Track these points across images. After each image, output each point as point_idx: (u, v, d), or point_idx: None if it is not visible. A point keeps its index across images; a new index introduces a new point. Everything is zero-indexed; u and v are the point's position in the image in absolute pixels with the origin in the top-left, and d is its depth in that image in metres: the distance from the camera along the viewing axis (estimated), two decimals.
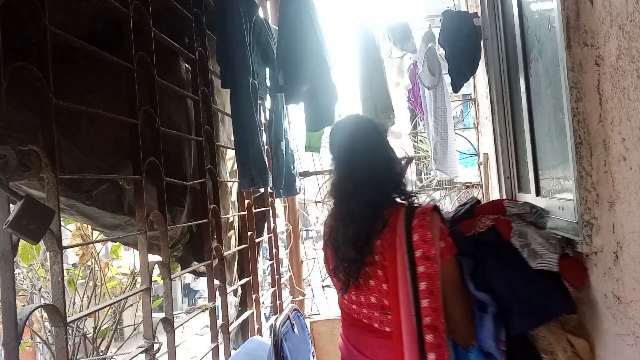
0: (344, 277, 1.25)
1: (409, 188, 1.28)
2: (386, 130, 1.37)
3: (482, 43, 2.30)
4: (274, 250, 2.77)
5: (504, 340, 1.15)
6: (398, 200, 1.26)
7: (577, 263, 1.26)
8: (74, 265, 5.01)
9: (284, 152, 2.31)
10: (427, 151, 4.43)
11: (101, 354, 3.92)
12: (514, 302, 1.17)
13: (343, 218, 1.25)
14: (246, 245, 2.27)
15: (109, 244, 4.46)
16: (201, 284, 11.90)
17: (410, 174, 3.79)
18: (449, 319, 1.13)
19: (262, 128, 2.39)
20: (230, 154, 2.27)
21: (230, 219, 2.24)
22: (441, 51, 2.97)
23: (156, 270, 1.44)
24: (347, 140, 1.29)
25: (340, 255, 1.25)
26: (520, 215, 1.33)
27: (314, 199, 3.37)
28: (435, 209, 1.19)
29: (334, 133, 1.36)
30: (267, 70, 2.26)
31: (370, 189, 1.21)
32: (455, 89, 2.38)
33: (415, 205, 1.22)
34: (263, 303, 2.44)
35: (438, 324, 1.09)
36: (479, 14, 2.39)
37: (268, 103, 2.42)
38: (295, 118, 3.12)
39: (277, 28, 2.03)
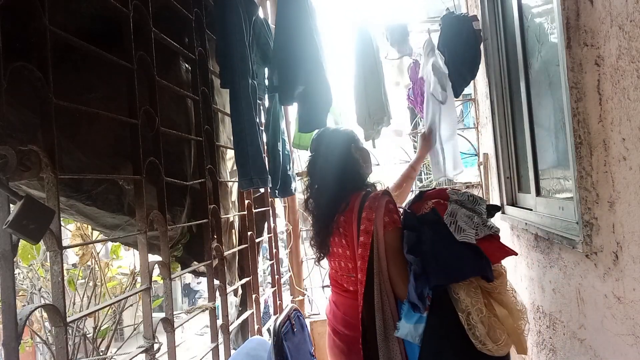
0: (318, 245, 1.70)
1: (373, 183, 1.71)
2: (355, 138, 1.76)
3: (481, 46, 2.29)
4: (274, 250, 2.77)
5: (430, 296, 1.41)
6: (363, 189, 1.64)
7: (497, 243, 1.45)
8: (74, 265, 5.01)
9: (281, 153, 2.31)
10: None
11: (101, 354, 3.92)
12: (433, 263, 1.42)
13: (318, 202, 1.71)
14: (246, 245, 2.27)
15: (109, 244, 4.46)
16: (201, 284, 11.90)
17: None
18: (390, 277, 1.50)
19: (262, 128, 2.39)
20: (230, 154, 2.27)
21: (230, 219, 2.24)
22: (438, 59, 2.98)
23: (156, 270, 1.44)
24: (316, 150, 1.76)
25: (315, 229, 1.70)
26: (459, 202, 1.54)
27: None
28: (385, 193, 1.59)
29: (311, 143, 1.81)
30: (266, 70, 2.26)
31: (336, 183, 1.64)
32: (457, 94, 2.37)
33: (378, 193, 1.59)
34: (266, 302, 2.44)
35: (363, 279, 1.50)
36: (479, 15, 2.39)
37: (267, 103, 2.42)
38: (293, 118, 3.13)
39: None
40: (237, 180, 1.92)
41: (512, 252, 1.43)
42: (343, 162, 1.68)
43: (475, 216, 1.47)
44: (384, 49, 2.92)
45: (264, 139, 2.38)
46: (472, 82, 3.10)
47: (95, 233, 3.47)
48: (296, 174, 2.67)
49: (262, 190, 2.59)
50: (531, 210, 1.87)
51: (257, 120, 1.91)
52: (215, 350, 1.73)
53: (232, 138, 1.89)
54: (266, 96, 2.34)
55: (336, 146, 1.72)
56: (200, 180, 1.75)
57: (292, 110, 3.09)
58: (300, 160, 3.32)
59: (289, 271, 3.16)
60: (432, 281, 1.40)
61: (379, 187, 1.73)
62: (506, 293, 1.42)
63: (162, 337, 1.37)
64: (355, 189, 1.65)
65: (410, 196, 1.96)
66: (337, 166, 1.67)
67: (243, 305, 2.35)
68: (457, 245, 1.43)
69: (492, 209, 1.60)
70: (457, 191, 1.61)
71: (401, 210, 1.65)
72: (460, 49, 2.21)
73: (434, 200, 1.58)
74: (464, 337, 1.34)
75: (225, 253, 1.92)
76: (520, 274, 2.01)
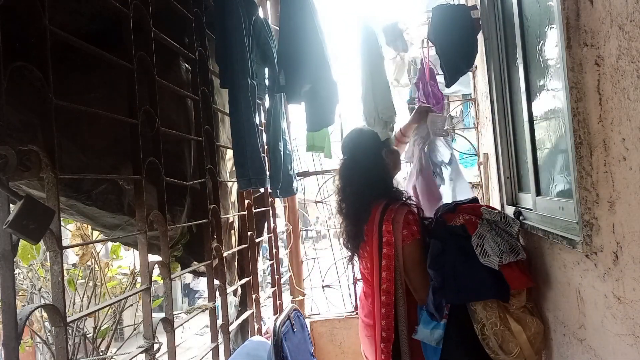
0: (350, 249, 1.78)
1: (397, 188, 1.75)
2: (384, 139, 1.79)
3: (480, 37, 2.28)
4: (274, 250, 2.77)
5: (449, 305, 1.49)
6: (384, 198, 1.67)
7: (519, 271, 1.49)
8: (74, 265, 5.01)
9: (282, 153, 2.31)
10: None
11: (101, 354, 3.92)
12: (451, 280, 1.47)
13: (347, 209, 1.74)
14: (246, 245, 2.27)
15: (109, 244, 4.46)
16: (201, 284, 11.89)
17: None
18: (412, 286, 1.59)
19: (261, 128, 2.39)
20: (230, 154, 2.27)
21: (230, 219, 2.24)
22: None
23: (156, 270, 1.44)
24: (349, 153, 1.78)
25: (348, 233, 1.74)
26: (491, 222, 1.56)
27: (314, 199, 3.36)
28: (402, 205, 1.64)
29: (343, 146, 1.84)
30: (266, 70, 2.26)
31: (362, 190, 1.68)
32: (448, 84, 2.34)
33: (393, 202, 1.64)
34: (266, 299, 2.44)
35: (390, 289, 1.58)
36: (479, 13, 2.39)
37: (267, 103, 2.42)
38: (295, 118, 3.12)
39: (277, 28, 2.03)
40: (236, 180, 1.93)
41: (531, 283, 1.49)
42: (373, 167, 1.71)
43: (503, 242, 1.50)
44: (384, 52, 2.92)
45: (264, 139, 2.38)
46: (472, 82, 3.10)
47: (95, 233, 3.47)
48: (297, 174, 2.67)
49: (262, 190, 2.59)
50: (531, 210, 1.87)
51: (257, 120, 1.91)
52: (215, 350, 1.73)
53: (231, 138, 1.89)
54: (266, 96, 2.34)
55: (367, 149, 1.74)
56: (200, 180, 1.75)
57: (293, 110, 3.09)
58: (300, 160, 3.32)
59: (289, 271, 3.16)
60: (448, 299, 1.48)
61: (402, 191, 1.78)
62: (524, 312, 1.48)
63: (162, 337, 1.37)
64: (379, 196, 1.68)
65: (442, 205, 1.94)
66: (367, 171, 1.70)
67: (242, 305, 2.35)
68: (479, 267, 1.47)
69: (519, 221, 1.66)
70: (491, 210, 1.64)
71: (430, 217, 1.70)
72: (456, 37, 2.18)
73: (466, 216, 1.60)
74: (479, 346, 1.44)
75: (225, 253, 1.92)
76: None
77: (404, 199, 1.71)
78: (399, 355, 1.60)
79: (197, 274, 2.11)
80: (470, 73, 3.10)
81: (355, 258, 1.83)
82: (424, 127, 2.19)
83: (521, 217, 1.78)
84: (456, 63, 2.20)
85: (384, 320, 1.60)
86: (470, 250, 1.50)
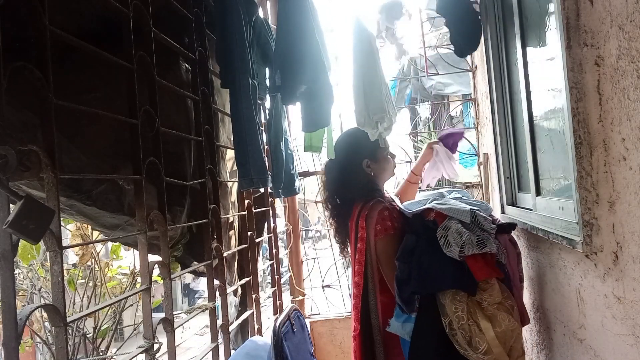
0: (339, 243, 1.89)
1: (381, 191, 1.81)
2: (373, 139, 1.80)
3: (480, 20, 2.29)
4: (274, 250, 2.77)
5: (419, 298, 1.51)
6: (364, 198, 1.73)
7: (483, 262, 1.49)
8: (74, 265, 5.01)
9: (284, 152, 2.30)
10: None
11: (101, 354, 3.92)
12: (415, 271, 1.51)
13: (330, 207, 1.85)
14: (246, 245, 2.27)
15: (109, 244, 4.46)
16: (201, 284, 11.89)
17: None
18: (385, 278, 1.63)
19: (262, 128, 2.39)
20: (230, 154, 2.27)
21: (230, 219, 2.24)
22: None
23: (156, 270, 1.44)
24: (335, 156, 1.86)
25: (335, 229, 1.87)
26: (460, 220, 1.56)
27: (314, 199, 3.36)
28: (378, 202, 1.68)
29: (335, 149, 1.90)
30: (267, 70, 2.26)
31: (343, 193, 1.81)
32: (462, 54, 2.34)
33: (370, 200, 1.70)
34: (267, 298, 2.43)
35: (360, 282, 1.66)
36: (479, 13, 2.39)
37: (268, 103, 2.41)
38: (296, 118, 3.12)
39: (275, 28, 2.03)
40: (237, 180, 1.92)
41: (495, 274, 1.48)
42: (351, 178, 1.78)
43: (469, 235, 1.50)
44: (380, 42, 2.91)
45: (265, 139, 2.38)
46: (472, 82, 3.10)
47: (95, 233, 3.47)
48: (298, 173, 2.66)
49: (262, 190, 2.59)
50: (531, 210, 1.87)
51: (258, 120, 1.91)
52: (215, 350, 1.73)
53: (232, 138, 1.89)
54: (267, 96, 2.34)
55: (347, 158, 1.81)
56: (200, 180, 1.75)
57: (294, 110, 3.09)
58: (300, 160, 3.32)
59: (289, 271, 3.16)
60: (411, 287, 1.50)
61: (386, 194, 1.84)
62: (498, 309, 1.45)
63: (162, 337, 1.37)
64: (359, 197, 1.75)
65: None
66: (343, 183, 1.79)
67: (242, 305, 2.35)
68: (444, 258, 1.48)
69: (508, 227, 1.68)
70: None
71: (409, 212, 1.70)
72: (461, 15, 2.20)
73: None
74: (449, 341, 1.42)
75: (225, 253, 1.92)
76: None
77: (379, 197, 1.73)
78: (373, 344, 1.65)
79: (197, 274, 2.11)
80: (470, 73, 3.10)
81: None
82: (435, 165, 2.14)
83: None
84: (464, 39, 2.21)
85: (353, 312, 1.72)
86: (436, 242, 1.52)
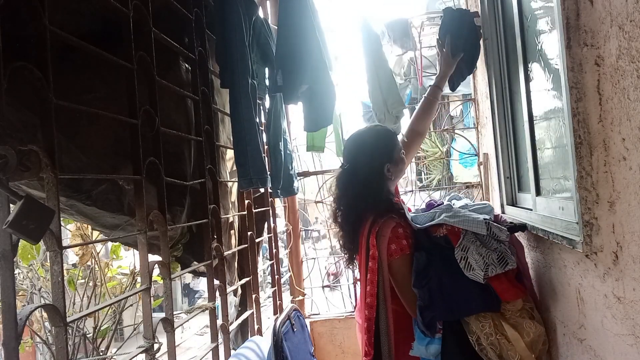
0: (347, 258, 1.74)
1: (390, 199, 1.65)
2: (390, 154, 1.66)
3: (481, 42, 2.29)
4: (274, 250, 2.77)
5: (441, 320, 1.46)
6: (374, 211, 1.60)
7: (508, 282, 1.46)
8: (74, 265, 5.01)
9: (282, 153, 2.31)
10: (427, 151, 4.43)
11: (101, 354, 3.92)
12: (438, 297, 1.45)
13: (341, 219, 1.68)
14: (246, 245, 2.27)
15: (109, 244, 4.46)
16: (201, 284, 11.89)
17: (410, 173, 3.78)
18: (402, 300, 1.54)
19: (261, 128, 2.39)
20: (230, 154, 2.27)
21: (230, 219, 2.24)
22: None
23: (156, 270, 1.44)
24: (351, 162, 1.66)
25: (343, 243, 1.70)
26: (474, 232, 1.51)
27: (314, 199, 3.36)
28: (390, 219, 1.55)
29: (345, 149, 1.73)
30: (267, 70, 2.26)
31: (357, 204, 1.61)
32: (453, 88, 2.35)
33: (381, 215, 1.56)
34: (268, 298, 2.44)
35: (373, 304, 1.52)
36: (479, 14, 2.39)
37: (267, 103, 2.41)
38: (295, 118, 3.12)
39: (276, 28, 2.03)
40: (237, 180, 1.93)
41: (522, 295, 1.46)
42: (371, 183, 1.61)
43: (489, 253, 1.45)
44: (385, 48, 2.91)
45: (265, 139, 2.38)
46: (472, 82, 3.10)
47: (95, 233, 3.47)
48: (297, 173, 2.67)
49: (262, 190, 2.59)
50: (531, 210, 1.87)
51: (257, 120, 1.91)
52: (215, 350, 1.73)
53: (232, 138, 1.88)
54: (267, 96, 2.34)
55: (370, 164, 1.62)
56: (200, 180, 1.75)
57: (293, 110, 3.09)
58: (300, 160, 3.32)
59: (289, 271, 3.16)
60: (438, 316, 1.45)
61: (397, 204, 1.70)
62: (521, 316, 1.45)
63: (162, 337, 1.37)
64: (371, 209, 1.60)
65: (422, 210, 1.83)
66: (364, 187, 1.60)
67: (242, 305, 2.35)
68: (466, 280, 1.44)
69: (517, 228, 1.63)
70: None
71: (417, 226, 1.61)
72: (460, 44, 2.19)
73: (449, 226, 1.55)
74: (479, 357, 1.41)
75: (225, 253, 1.92)
76: None
77: (393, 212, 1.62)
78: None
79: (197, 274, 2.11)
80: None
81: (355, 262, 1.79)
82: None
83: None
84: (460, 68, 2.21)
85: (365, 335, 1.55)
86: (455, 262, 1.47)
